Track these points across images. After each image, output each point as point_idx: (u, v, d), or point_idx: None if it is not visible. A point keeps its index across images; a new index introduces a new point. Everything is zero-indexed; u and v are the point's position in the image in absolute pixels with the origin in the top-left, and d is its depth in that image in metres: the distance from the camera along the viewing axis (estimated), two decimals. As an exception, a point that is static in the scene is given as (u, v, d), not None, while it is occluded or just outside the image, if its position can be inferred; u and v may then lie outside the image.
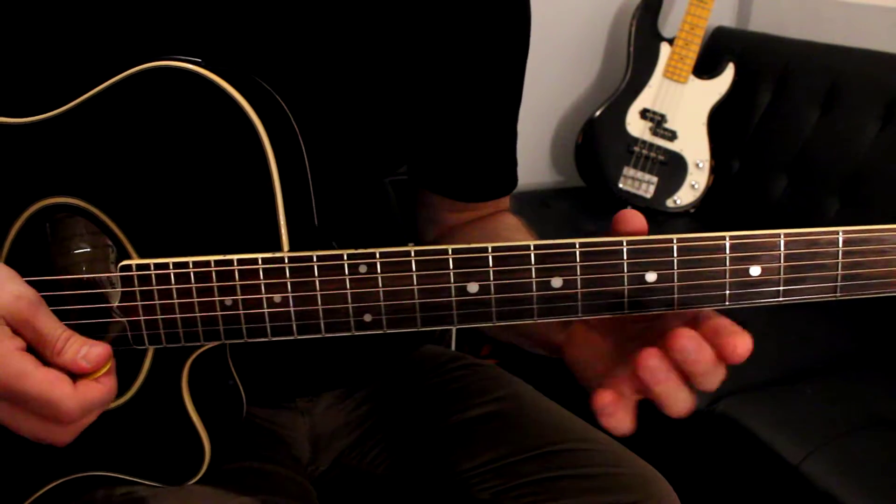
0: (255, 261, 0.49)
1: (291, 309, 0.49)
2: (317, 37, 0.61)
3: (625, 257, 0.47)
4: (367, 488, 0.77)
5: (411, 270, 0.48)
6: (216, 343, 0.52)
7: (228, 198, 0.51)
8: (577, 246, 0.47)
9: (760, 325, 1.44)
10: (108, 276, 0.52)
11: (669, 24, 2.03)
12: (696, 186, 1.90)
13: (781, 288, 0.47)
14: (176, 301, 0.51)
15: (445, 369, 0.81)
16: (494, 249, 0.47)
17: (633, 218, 0.48)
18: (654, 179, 1.91)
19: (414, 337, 0.86)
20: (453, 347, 1.29)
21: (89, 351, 0.49)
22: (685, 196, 1.91)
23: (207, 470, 0.58)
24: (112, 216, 0.53)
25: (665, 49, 1.90)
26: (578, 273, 0.47)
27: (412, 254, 0.47)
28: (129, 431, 0.57)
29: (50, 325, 0.49)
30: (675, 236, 0.46)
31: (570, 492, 0.67)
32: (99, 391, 0.49)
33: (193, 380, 0.55)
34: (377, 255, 0.48)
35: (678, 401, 0.46)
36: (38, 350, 0.49)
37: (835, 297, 0.47)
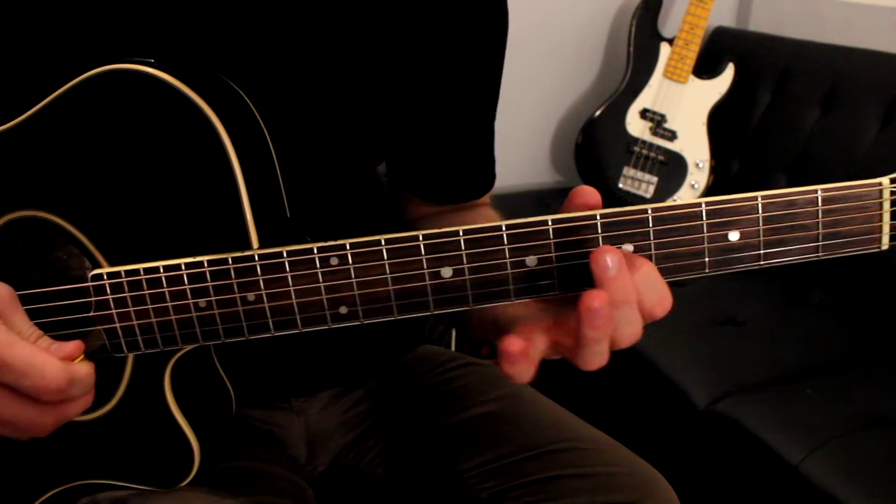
0: (225, 261, 0.49)
1: (266, 306, 0.49)
2: (290, 33, 0.61)
3: (599, 231, 0.46)
4: (365, 488, 0.77)
5: (383, 259, 0.47)
6: (194, 345, 0.52)
7: (194, 197, 0.51)
8: (550, 223, 0.46)
9: (761, 326, 1.44)
10: (81, 287, 0.52)
11: (669, 24, 2.03)
12: (696, 186, 1.90)
13: (762, 251, 0.46)
14: (150, 306, 0.50)
15: (445, 369, 0.81)
16: (466, 232, 0.46)
17: (589, 194, 0.48)
18: (654, 179, 1.91)
19: (411, 336, 0.85)
20: (453, 347, 1.29)
21: (62, 344, 0.49)
22: (685, 196, 1.90)
23: (200, 470, 0.57)
24: (78, 226, 0.53)
25: (665, 49, 1.90)
26: (553, 250, 0.46)
27: (383, 242, 0.47)
28: (117, 438, 0.57)
29: (24, 322, 0.50)
30: (649, 206, 0.46)
31: (569, 492, 0.67)
32: (81, 367, 0.48)
33: (176, 382, 0.55)
34: (347, 247, 0.47)
35: (596, 354, 0.45)
36: None
37: (817, 256, 0.47)
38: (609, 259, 0.43)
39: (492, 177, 0.79)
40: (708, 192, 1.90)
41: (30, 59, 0.56)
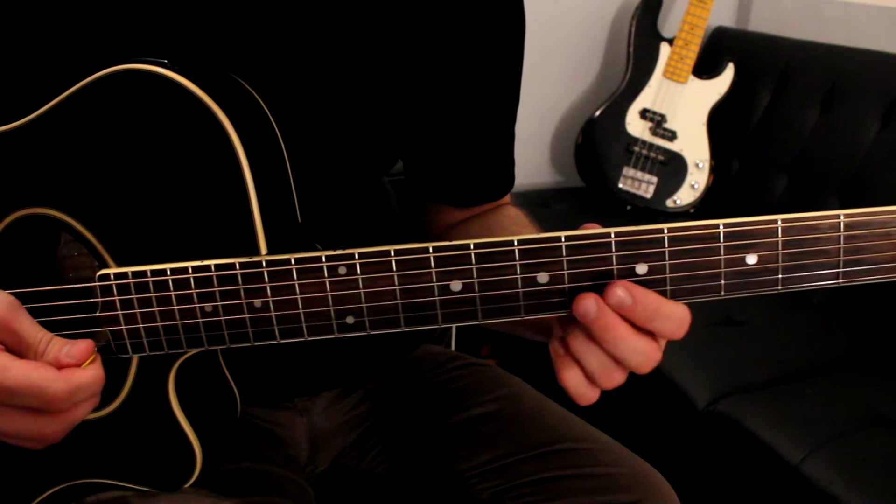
0: (232, 266, 0.48)
1: (272, 314, 0.48)
2: (307, 36, 0.60)
3: (613, 250, 0.45)
4: (366, 488, 0.77)
5: (392, 270, 0.46)
6: (199, 349, 0.52)
7: (204, 200, 0.50)
8: (563, 239, 0.45)
9: (761, 326, 1.44)
10: (87, 286, 0.51)
11: (669, 24, 2.03)
12: (696, 186, 1.90)
13: (780, 276, 0.45)
14: (156, 309, 0.50)
15: (445, 369, 0.81)
16: (477, 246, 0.46)
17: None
18: (654, 179, 1.91)
19: (413, 336, 0.85)
20: (453, 347, 1.29)
21: (72, 348, 0.48)
22: (685, 196, 1.91)
23: (202, 472, 0.57)
24: (86, 225, 0.52)
25: (665, 49, 1.90)
26: (565, 268, 0.45)
27: (392, 253, 0.46)
28: (120, 438, 0.57)
29: (31, 329, 0.49)
30: (665, 226, 0.45)
31: (570, 492, 0.67)
32: (85, 374, 0.48)
33: (181, 384, 0.55)
34: (356, 256, 0.46)
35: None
36: (19, 354, 0.49)
37: (837, 283, 0.45)
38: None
39: (511, 177, 0.79)
40: (708, 192, 1.90)
41: (42, 58, 0.56)
